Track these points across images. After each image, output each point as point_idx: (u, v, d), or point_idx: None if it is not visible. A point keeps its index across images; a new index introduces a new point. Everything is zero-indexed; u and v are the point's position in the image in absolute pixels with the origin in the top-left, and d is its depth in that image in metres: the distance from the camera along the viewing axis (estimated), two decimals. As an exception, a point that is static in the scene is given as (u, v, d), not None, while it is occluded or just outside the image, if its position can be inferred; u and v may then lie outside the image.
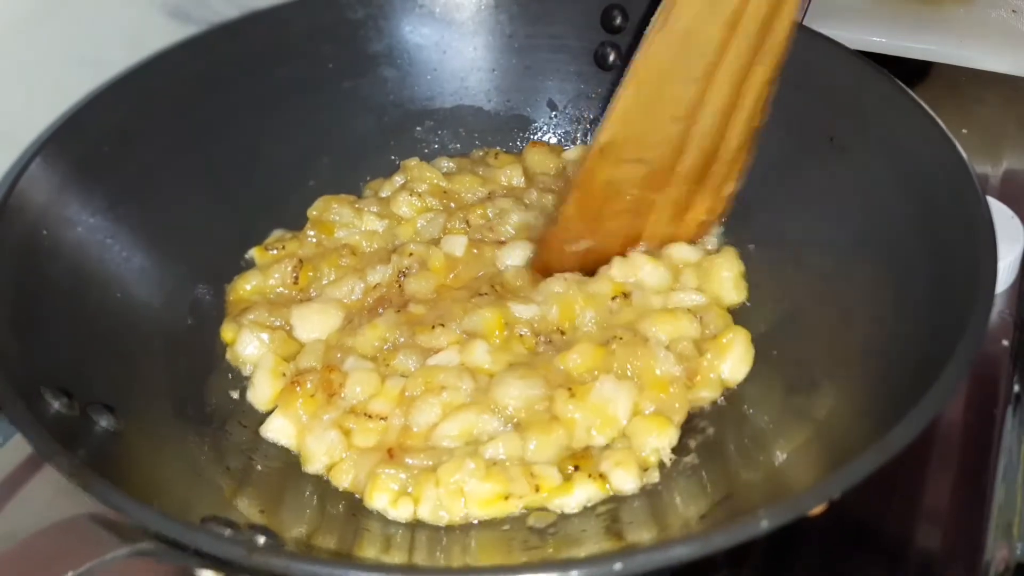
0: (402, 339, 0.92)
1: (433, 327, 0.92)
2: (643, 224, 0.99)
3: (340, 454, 0.85)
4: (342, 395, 0.88)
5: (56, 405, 0.73)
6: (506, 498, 0.80)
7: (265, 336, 0.93)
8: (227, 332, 0.95)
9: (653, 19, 0.87)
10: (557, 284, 0.95)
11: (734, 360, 0.90)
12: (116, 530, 0.60)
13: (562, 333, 0.93)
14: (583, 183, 0.95)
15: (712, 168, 0.96)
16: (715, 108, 0.92)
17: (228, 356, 0.94)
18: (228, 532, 0.66)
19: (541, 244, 1.00)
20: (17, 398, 0.69)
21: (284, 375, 0.90)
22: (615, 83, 1.10)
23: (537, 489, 0.81)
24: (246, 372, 0.93)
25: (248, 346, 0.93)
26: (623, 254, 0.99)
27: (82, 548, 0.58)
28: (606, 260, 0.98)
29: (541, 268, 0.99)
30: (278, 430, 0.87)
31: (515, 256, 1.00)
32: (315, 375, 0.89)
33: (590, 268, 0.98)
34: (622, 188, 0.95)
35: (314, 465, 0.85)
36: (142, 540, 0.60)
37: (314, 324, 0.95)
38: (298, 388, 0.88)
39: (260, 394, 0.90)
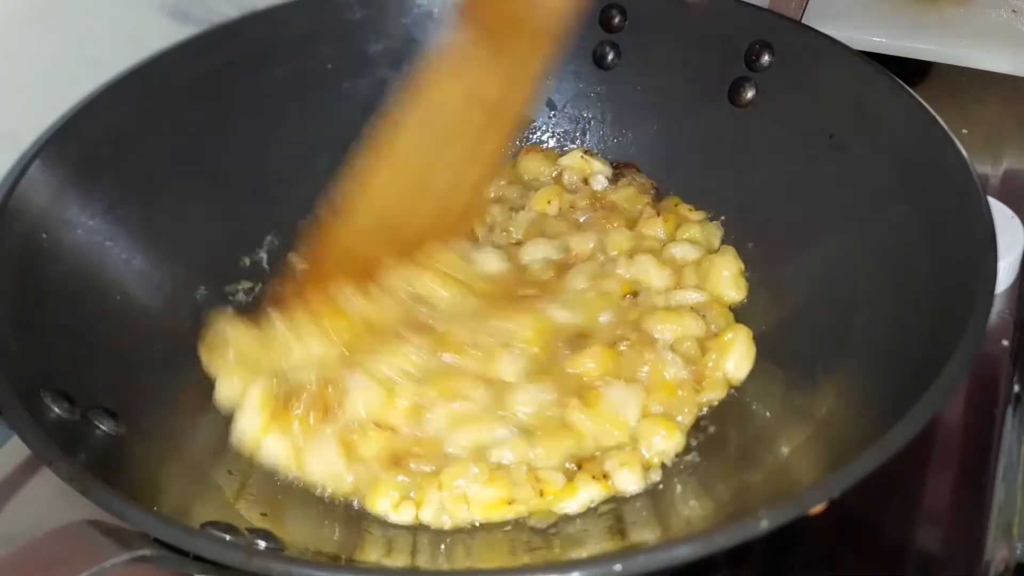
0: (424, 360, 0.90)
1: (463, 348, 0.90)
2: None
3: (342, 467, 0.84)
4: (342, 411, 0.86)
5: (56, 409, 0.73)
6: (510, 503, 0.80)
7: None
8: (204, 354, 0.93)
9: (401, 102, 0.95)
10: (579, 279, 0.95)
11: (737, 358, 0.90)
12: (116, 536, 0.60)
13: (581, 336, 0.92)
14: (328, 247, 0.97)
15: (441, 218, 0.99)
16: (451, 174, 0.97)
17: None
18: (228, 537, 0.66)
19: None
20: (17, 402, 0.69)
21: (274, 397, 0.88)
22: (614, 82, 1.11)
23: (541, 493, 0.81)
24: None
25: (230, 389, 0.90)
26: None
27: (81, 554, 0.58)
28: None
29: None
30: (273, 455, 0.85)
31: (538, 251, 1.00)
32: (308, 394, 0.87)
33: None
34: (365, 258, 0.96)
35: (314, 477, 0.85)
36: (142, 546, 0.60)
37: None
38: (295, 411, 0.86)
39: (247, 430, 0.87)
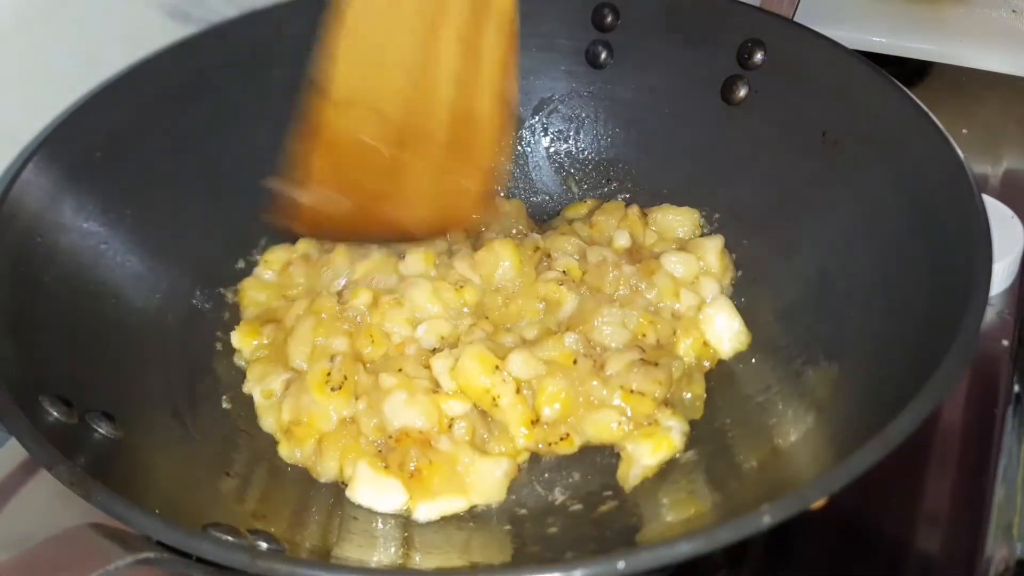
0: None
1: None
2: (400, 184, 0.97)
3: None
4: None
5: (55, 413, 0.73)
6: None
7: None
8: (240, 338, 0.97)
9: None
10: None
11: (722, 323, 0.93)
12: (119, 539, 0.61)
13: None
14: (322, 133, 0.94)
15: (465, 135, 0.95)
16: (449, 68, 0.92)
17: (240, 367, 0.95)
18: (230, 539, 0.67)
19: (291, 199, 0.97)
20: (16, 407, 0.70)
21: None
22: (607, 81, 1.12)
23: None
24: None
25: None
26: (389, 219, 0.97)
27: (85, 558, 0.59)
28: (371, 225, 0.98)
29: (304, 222, 0.98)
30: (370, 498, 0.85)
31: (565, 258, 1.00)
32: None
33: (359, 233, 0.99)
34: (365, 140, 0.94)
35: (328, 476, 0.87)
36: (145, 548, 0.60)
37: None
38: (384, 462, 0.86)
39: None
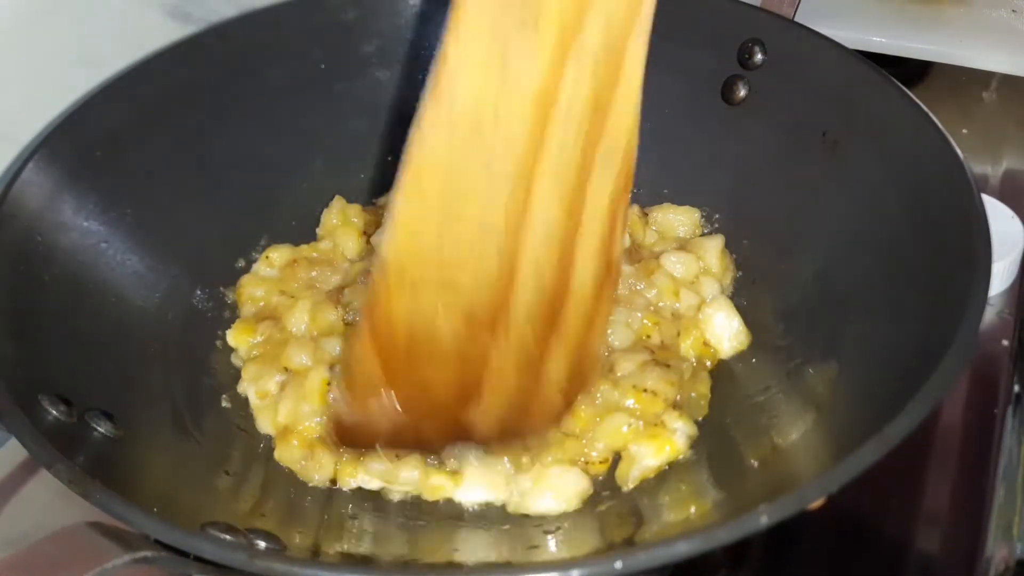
0: None
1: None
2: (479, 380, 0.77)
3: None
4: None
5: (54, 412, 0.73)
6: None
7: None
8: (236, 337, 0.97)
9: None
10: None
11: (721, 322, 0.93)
12: (117, 537, 0.61)
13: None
14: (377, 318, 0.75)
15: (564, 315, 0.77)
16: (546, 232, 0.73)
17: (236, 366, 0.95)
18: (228, 537, 0.67)
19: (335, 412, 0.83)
20: (15, 406, 0.70)
21: None
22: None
23: None
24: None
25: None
26: (457, 426, 0.80)
27: (83, 556, 0.59)
28: (431, 440, 0.82)
29: (343, 436, 0.83)
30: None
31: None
32: None
33: (410, 445, 0.82)
34: (436, 329, 0.75)
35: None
36: (143, 547, 0.61)
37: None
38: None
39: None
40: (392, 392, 0.77)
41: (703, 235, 1.03)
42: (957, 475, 0.90)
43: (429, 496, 0.84)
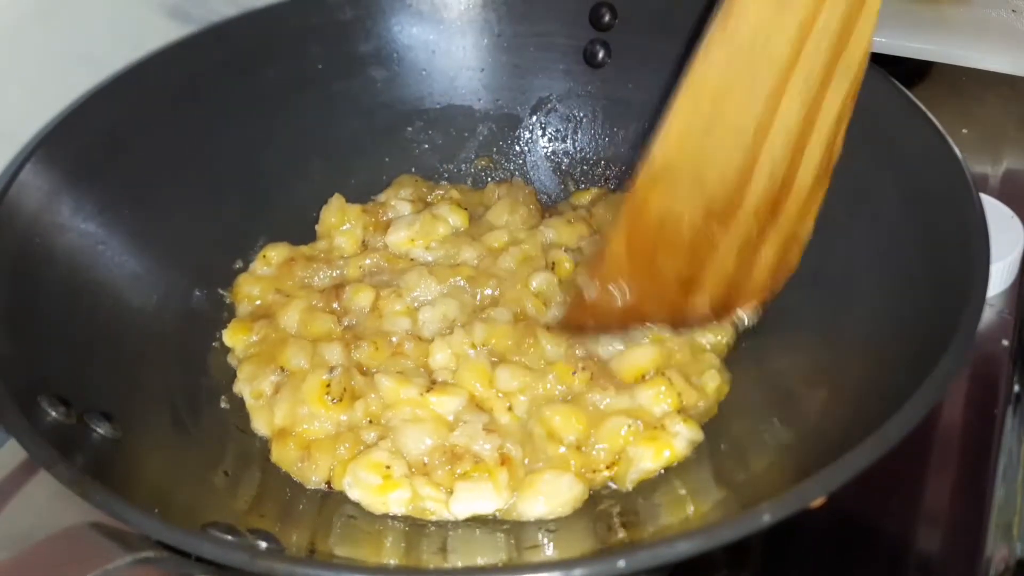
0: None
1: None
2: (703, 268, 0.87)
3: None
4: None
5: (53, 413, 0.74)
6: None
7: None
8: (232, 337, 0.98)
9: (711, 22, 0.81)
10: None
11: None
12: (119, 538, 0.61)
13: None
14: (634, 214, 0.85)
15: (784, 205, 0.87)
16: (787, 133, 0.83)
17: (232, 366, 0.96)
18: (230, 538, 0.67)
19: (577, 297, 0.91)
20: (14, 407, 0.70)
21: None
22: (605, 81, 1.13)
23: None
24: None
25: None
26: (675, 309, 0.89)
27: (86, 557, 0.59)
28: (651, 317, 0.90)
29: (573, 324, 0.93)
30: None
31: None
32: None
33: (630, 325, 0.91)
34: (680, 220, 0.85)
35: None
36: (145, 548, 0.61)
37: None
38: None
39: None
40: (630, 278, 0.86)
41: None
42: (957, 475, 0.91)
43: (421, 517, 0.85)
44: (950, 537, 0.86)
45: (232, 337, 0.97)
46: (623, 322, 0.90)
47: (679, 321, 0.90)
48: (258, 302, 1.00)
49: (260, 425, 0.91)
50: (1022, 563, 0.87)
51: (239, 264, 1.04)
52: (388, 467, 0.84)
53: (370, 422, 0.88)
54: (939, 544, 0.87)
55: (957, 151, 0.83)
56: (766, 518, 0.61)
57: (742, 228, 0.86)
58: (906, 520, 0.88)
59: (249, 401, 0.92)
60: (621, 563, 0.59)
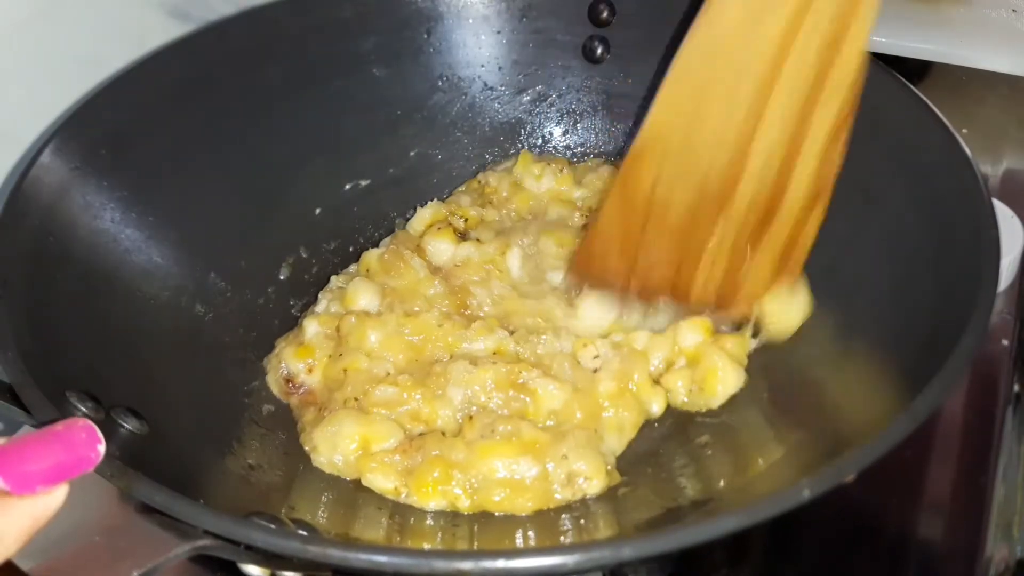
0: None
1: None
2: (693, 264, 0.94)
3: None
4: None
5: (83, 409, 0.76)
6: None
7: None
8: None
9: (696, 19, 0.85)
10: None
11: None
12: (173, 528, 0.63)
13: None
14: (623, 186, 0.92)
15: (778, 214, 0.91)
16: (775, 138, 0.87)
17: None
18: (274, 527, 0.70)
19: (579, 252, 1.01)
20: (46, 404, 0.72)
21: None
22: (604, 76, 1.18)
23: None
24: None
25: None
26: (675, 287, 0.96)
27: (144, 548, 0.62)
28: (656, 289, 0.97)
29: (578, 272, 1.01)
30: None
31: None
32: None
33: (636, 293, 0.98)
34: (669, 202, 0.91)
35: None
36: (199, 537, 0.63)
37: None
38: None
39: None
40: (625, 255, 0.95)
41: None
42: (957, 475, 0.94)
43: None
44: (950, 536, 0.90)
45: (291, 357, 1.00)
46: (625, 286, 0.97)
47: (682, 297, 0.97)
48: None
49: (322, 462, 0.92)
50: (1022, 563, 0.91)
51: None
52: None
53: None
54: (939, 543, 0.90)
55: (968, 151, 0.87)
56: (806, 493, 0.65)
57: (737, 221, 0.92)
58: (906, 520, 0.91)
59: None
60: (663, 541, 0.64)
